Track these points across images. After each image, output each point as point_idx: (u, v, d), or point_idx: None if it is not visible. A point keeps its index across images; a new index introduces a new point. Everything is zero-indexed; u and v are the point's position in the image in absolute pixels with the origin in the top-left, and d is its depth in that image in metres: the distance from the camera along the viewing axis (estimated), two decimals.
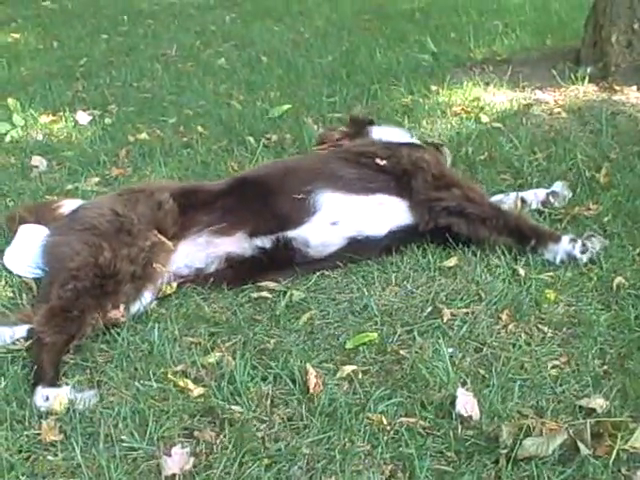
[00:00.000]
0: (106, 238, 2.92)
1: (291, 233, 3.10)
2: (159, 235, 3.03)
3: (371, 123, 3.94)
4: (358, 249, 3.16)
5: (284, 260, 3.11)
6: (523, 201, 3.52)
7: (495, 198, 3.51)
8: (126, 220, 3.02)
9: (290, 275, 3.13)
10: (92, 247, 2.88)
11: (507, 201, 3.50)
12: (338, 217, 3.14)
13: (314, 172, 3.29)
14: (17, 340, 2.74)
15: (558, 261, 3.11)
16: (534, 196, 3.55)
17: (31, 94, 5.72)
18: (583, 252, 3.09)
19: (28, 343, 2.70)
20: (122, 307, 2.82)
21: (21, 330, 2.77)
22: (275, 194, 3.19)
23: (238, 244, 3.09)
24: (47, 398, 2.45)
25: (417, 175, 3.29)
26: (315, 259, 3.13)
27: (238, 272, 3.10)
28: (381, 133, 3.76)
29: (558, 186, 3.59)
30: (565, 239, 3.12)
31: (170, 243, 3.05)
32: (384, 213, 3.21)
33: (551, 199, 3.52)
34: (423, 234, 3.24)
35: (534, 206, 3.53)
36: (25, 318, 2.82)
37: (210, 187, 3.36)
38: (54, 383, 2.53)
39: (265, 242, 3.10)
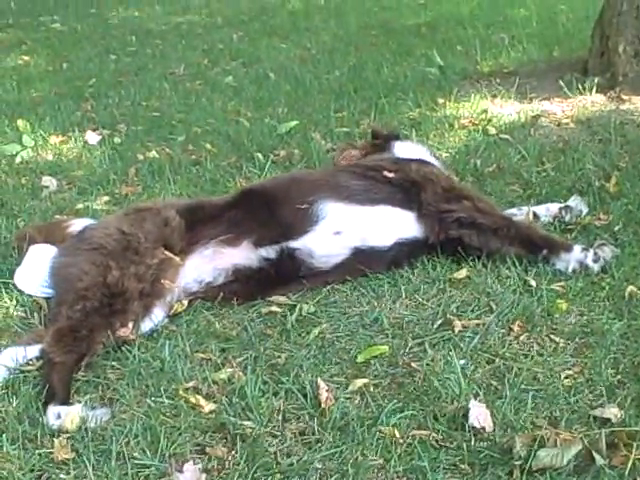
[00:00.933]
0: (114, 257, 2.92)
1: (295, 243, 3.09)
2: (166, 252, 3.03)
3: (397, 137, 3.90)
4: (363, 260, 3.15)
5: (290, 272, 3.10)
6: (535, 215, 3.49)
7: (507, 212, 3.49)
8: (133, 238, 3.02)
9: (299, 289, 3.12)
10: (100, 267, 2.89)
11: (519, 215, 3.48)
12: (341, 227, 3.13)
13: (319, 183, 3.29)
14: (29, 360, 2.74)
15: (570, 270, 3.09)
16: (546, 210, 3.52)
17: (41, 115, 5.76)
18: (595, 261, 3.07)
19: (40, 363, 2.71)
20: (131, 325, 2.82)
21: (33, 350, 2.76)
22: (280, 204, 3.19)
23: (244, 254, 3.09)
24: (59, 416, 2.45)
25: (426, 187, 3.28)
26: (321, 271, 3.12)
27: (246, 286, 3.10)
28: (403, 149, 3.72)
29: (573, 201, 3.54)
30: (577, 248, 3.11)
31: (178, 259, 3.04)
32: (389, 224, 3.20)
33: (563, 213, 3.48)
34: (432, 246, 3.23)
35: (546, 221, 3.49)
36: (37, 338, 2.79)
37: (216, 201, 3.37)
38: (65, 401, 2.52)
39: (270, 252, 3.09)
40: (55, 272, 3.06)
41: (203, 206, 3.30)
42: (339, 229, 3.13)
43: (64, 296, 2.88)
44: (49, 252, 3.23)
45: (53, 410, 2.47)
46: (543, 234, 3.23)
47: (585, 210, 3.51)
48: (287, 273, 3.10)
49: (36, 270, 3.20)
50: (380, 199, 3.23)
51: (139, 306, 2.86)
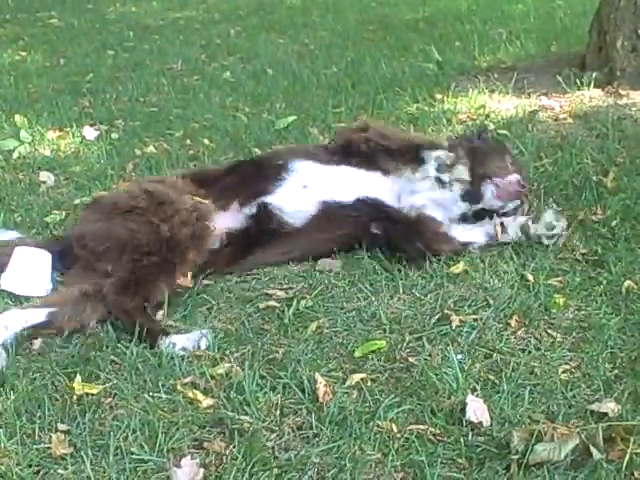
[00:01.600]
0: (154, 214, 3.06)
1: (269, 198, 3.29)
2: (194, 197, 3.19)
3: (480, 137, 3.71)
4: (330, 216, 3.29)
5: (267, 229, 3.27)
6: (503, 226, 3.32)
7: (473, 225, 3.38)
8: (161, 194, 3.16)
9: (279, 253, 3.29)
10: (147, 224, 3.02)
11: (487, 225, 3.34)
12: (309, 181, 3.34)
13: (297, 150, 3.67)
14: (30, 327, 2.78)
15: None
16: (513, 221, 3.33)
17: (38, 110, 5.74)
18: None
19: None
20: (190, 274, 3.05)
21: (39, 314, 2.81)
22: (263, 166, 3.47)
23: (233, 217, 3.28)
24: (174, 345, 2.72)
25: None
26: (293, 227, 3.28)
27: (234, 248, 3.26)
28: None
29: (547, 215, 3.28)
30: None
31: (206, 201, 3.21)
32: (352, 181, 3.36)
33: (530, 224, 3.27)
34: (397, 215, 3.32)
35: (512, 235, 3.31)
36: (45, 302, 2.89)
37: (213, 169, 3.72)
38: (168, 332, 2.81)
39: (252, 209, 3.29)
40: (92, 237, 3.08)
41: (201, 173, 3.58)
42: (306, 183, 3.33)
43: (115, 254, 2.98)
44: (35, 253, 3.20)
45: (165, 342, 2.74)
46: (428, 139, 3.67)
47: (559, 224, 3.26)
48: (265, 230, 3.28)
49: (26, 271, 3.15)
50: (345, 161, 3.43)
51: (194, 254, 3.07)
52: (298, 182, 3.34)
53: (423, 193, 3.34)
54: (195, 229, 3.08)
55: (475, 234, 3.34)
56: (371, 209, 3.31)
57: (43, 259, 3.19)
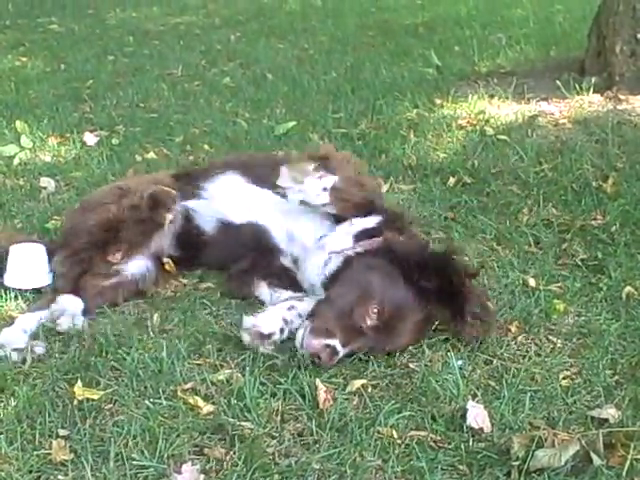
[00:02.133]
0: (113, 202, 3.24)
1: (190, 203, 3.36)
2: (158, 185, 3.30)
3: None
4: (225, 236, 3.26)
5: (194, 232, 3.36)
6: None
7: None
8: (128, 188, 3.32)
9: (205, 260, 3.36)
10: (103, 212, 3.21)
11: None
12: (216, 194, 3.33)
13: (244, 159, 3.57)
14: (44, 321, 2.97)
15: None
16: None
17: (39, 116, 5.74)
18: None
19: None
20: (120, 253, 3.17)
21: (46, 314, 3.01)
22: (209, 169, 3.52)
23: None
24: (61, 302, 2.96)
25: None
26: (204, 239, 3.33)
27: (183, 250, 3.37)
28: None
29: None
30: None
31: (172, 190, 3.28)
32: (251, 203, 3.25)
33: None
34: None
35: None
36: (48, 302, 3.03)
37: (193, 168, 3.88)
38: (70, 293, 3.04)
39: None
40: (70, 232, 3.33)
41: (185, 169, 3.81)
42: (213, 195, 3.33)
43: (86, 247, 3.19)
44: (29, 248, 3.32)
45: (59, 299, 2.98)
46: None
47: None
48: (195, 232, 3.35)
49: (26, 266, 3.25)
50: (268, 184, 3.14)
51: (129, 234, 3.17)
52: (211, 193, 3.33)
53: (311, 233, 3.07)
54: (143, 213, 3.18)
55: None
56: (257, 239, 3.19)
57: (38, 252, 3.30)
